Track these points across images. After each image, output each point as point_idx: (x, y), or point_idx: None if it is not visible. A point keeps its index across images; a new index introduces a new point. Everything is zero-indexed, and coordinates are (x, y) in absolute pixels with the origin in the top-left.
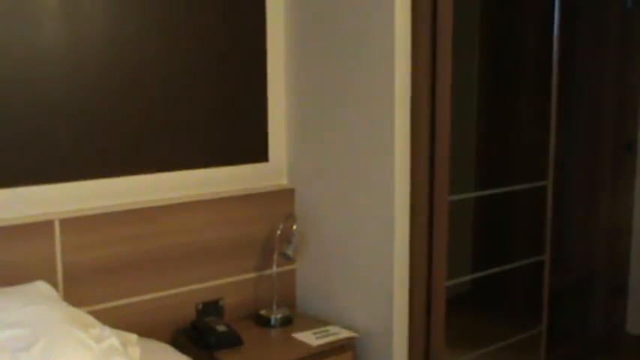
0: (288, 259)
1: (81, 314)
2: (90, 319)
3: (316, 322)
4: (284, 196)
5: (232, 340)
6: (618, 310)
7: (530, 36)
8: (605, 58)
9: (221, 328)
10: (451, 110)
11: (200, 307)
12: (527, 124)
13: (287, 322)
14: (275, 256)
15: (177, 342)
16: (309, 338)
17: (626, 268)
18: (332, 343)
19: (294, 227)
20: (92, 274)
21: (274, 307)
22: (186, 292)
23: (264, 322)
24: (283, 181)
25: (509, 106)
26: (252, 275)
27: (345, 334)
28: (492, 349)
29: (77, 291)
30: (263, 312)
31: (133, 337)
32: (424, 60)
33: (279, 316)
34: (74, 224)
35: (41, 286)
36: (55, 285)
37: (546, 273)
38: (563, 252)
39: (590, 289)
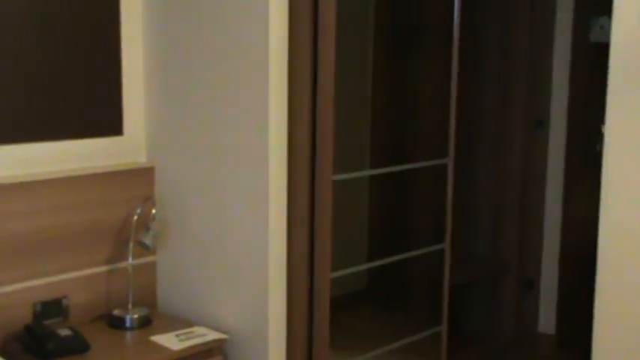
0: (146, 249)
1: None
2: None
3: (180, 322)
4: (142, 176)
5: (76, 346)
6: (529, 307)
7: (430, 2)
8: (515, 28)
9: (63, 332)
10: (336, 77)
11: (38, 307)
12: (427, 97)
13: (145, 323)
14: (131, 246)
15: (8, 350)
16: (171, 341)
17: (538, 260)
18: (197, 346)
19: (154, 212)
20: None
21: (130, 305)
22: (20, 289)
23: (118, 324)
24: (141, 159)
25: (408, 75)
26: (104, 269)
27: (212, 335)
28: (386, 350)
29: None
30: (117, 312)
31: None
32: (303, 17)
33: (135, 316)
34: None
35: None
36: None
37: (446, 264)
38: (467, 241)
39: (498, 284)
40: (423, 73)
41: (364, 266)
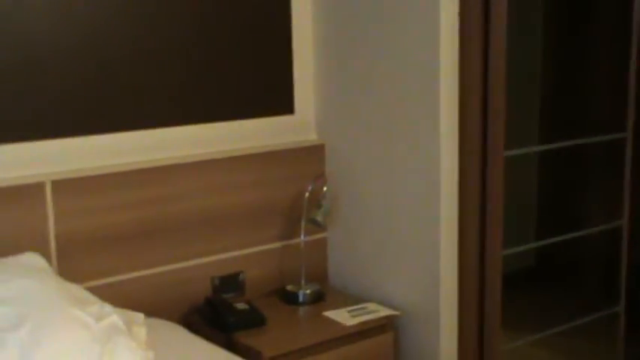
0: (318, 226)
1: (77, 290)
2: (88, 295)
3: (351, 298)
4: (313, 153)
5: (254, 320)
6: None
7: None
8: None
9: (241, 305)
10: (507, 50)
11: (217, 281)
12: (602, 66)
13: (317, 299)
14: (303, 223)
15: (189, 321)
16: (343, 317)
17: None
18: (369, 322)
19: (325, 189)
20: (91, 245)
21: (303, 281)
22: (200, 264)
23: (291, 299)
24: (312, 136)
25: (580, 45)
26: (277, 245)
27: (384, 312)
28: (558, 331)
29: (73, 264)
30: (290, 287)
31: (139, 315)
32: None
33: (308, 291)
34: (69, 186)
35: (31, 259)
36: (47, 257)
37: (625, 242)
38: None
39: None
40: (597, 42)
41: (538, 243)
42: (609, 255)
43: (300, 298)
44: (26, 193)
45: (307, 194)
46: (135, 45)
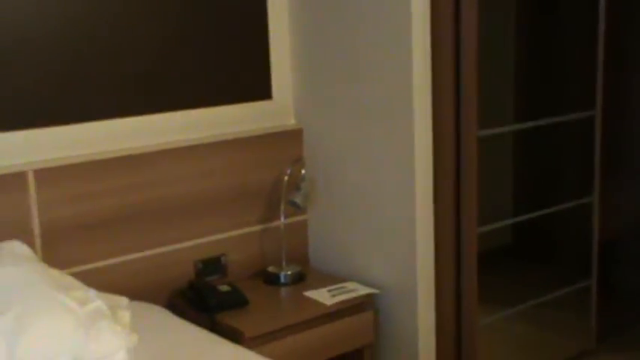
0: (297, 209)
1: (62, 276)
2: (72, 280)
3: (331, 278)
4: (291, 138)
5: (236, 301)
6: None
7: None
8: None
9: (223, 287)
10: (479, 29)
11: (199, 265)
12: (572, 47)
13: (298, 279)
14: (283, 206)
15: (173, 304)
16: (324, 296)
17: None
18: (349, 301)
19: (303, 172)
20: (74, 232)
21: (284, 262)
22: (183, 248)
23: (272, 280)
24: (290, 121)
25: (552, 25)
26: (258, 228)
27: (363, 291)
28: (533, 305)
29: (57, 251)
30: (271, 269)
31: (123, 300)
32: None
33: (289, 272)
34: (51, 175)
35: (16, 247)
36: (31, 245)
37: (596, 217)
38: (616, 193)
39: None
40: (568, 22)
41: (512, 220)
42: (583, 231)
43: (282, 279)
44: (9, 183)
45: (286, 177)
46: (112, 33)
